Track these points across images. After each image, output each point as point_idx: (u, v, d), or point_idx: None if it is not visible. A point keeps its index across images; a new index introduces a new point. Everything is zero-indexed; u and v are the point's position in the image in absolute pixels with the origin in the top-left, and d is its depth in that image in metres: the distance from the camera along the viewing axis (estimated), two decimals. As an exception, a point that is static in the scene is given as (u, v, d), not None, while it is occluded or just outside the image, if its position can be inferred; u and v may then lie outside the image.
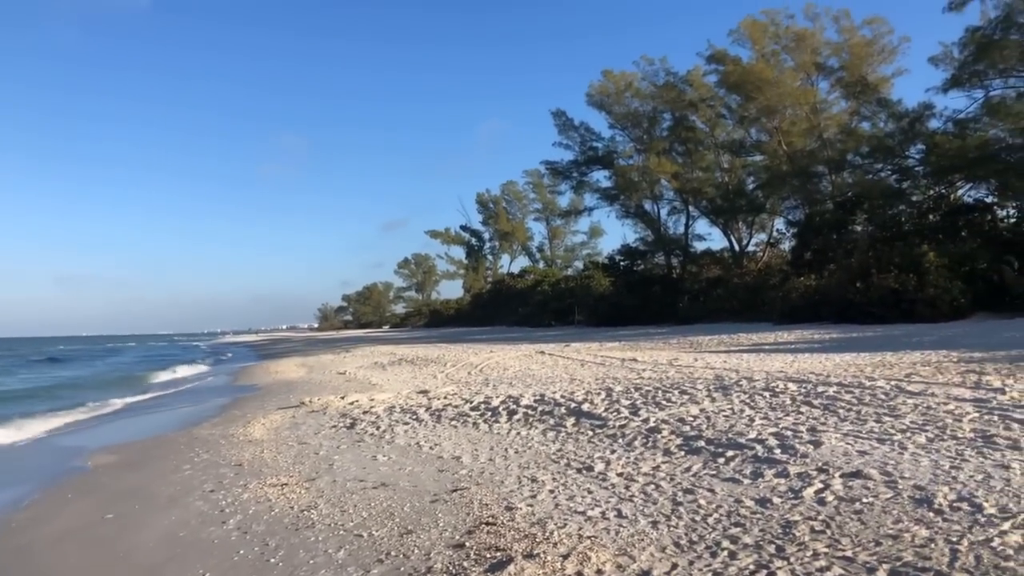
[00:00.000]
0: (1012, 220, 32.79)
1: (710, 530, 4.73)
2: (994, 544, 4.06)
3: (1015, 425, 6.70)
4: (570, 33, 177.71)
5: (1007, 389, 8.45)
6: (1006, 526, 4.30)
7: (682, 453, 6.86)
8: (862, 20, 41.08)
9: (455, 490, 6.23)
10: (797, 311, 31.26)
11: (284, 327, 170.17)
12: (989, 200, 33.41)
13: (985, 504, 4.67)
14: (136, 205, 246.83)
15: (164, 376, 27.56)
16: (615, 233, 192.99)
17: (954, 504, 4.74)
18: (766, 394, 9.41)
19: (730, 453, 6.58)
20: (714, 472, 6.12)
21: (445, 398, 12.09)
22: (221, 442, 9.74)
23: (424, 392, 13.31)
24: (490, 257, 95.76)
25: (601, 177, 53.04)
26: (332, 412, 11.64)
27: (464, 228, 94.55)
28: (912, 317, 25.33)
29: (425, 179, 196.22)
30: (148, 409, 16.08)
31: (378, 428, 9.70)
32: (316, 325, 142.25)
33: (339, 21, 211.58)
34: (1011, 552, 3.95)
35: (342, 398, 13.13)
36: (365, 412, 11.23)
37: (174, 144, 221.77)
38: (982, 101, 31.65)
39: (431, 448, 8.13)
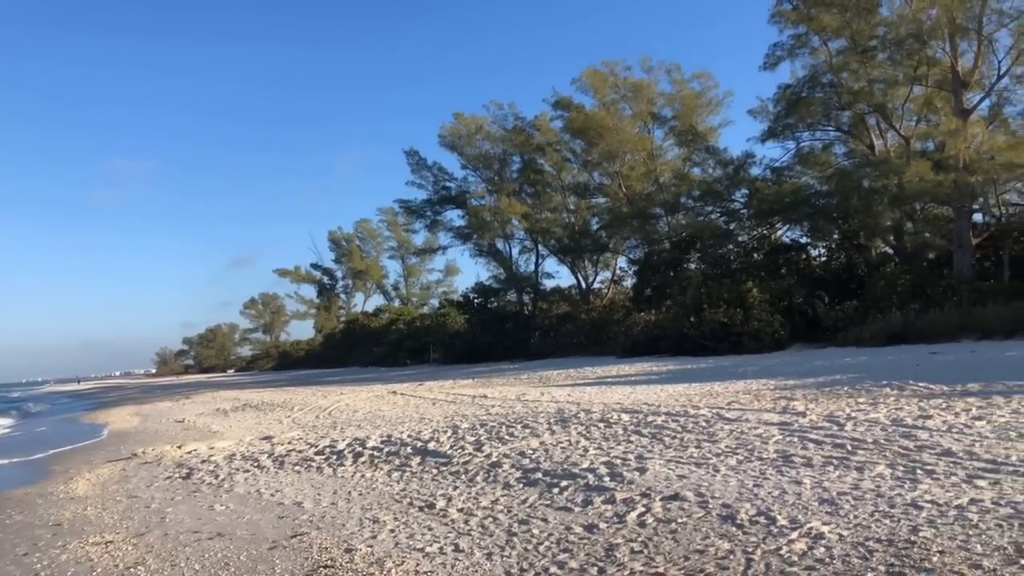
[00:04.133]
0: (823, 259, 36.42)
1: (540, 557, 5.00)
2: (783, 552, 4.59)
3: (811, 444, 7.52)
4: (431, 53, 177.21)
5: (807, 412, 9.44)
6: (794, 535, 4.86)
7: (520, 485, 7.15)
8: (691, 74, 44.72)
9: (294, 536, 6.16)
10: (639, 345, 32.90)
11: (117, 373, 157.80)
12: (804, 240, 36.98)
13: (779, 517, 5.25)
14: None
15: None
16: (470, 271, 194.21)
17: (753, 518, 5.29)
18: (601, 425, 9.95)
19: (564, 483, 6.94)
20: (548, 502, 6.44)
21: (289, 443, 11.81)
22: (38, 501, 9.01)
23: (268, 438, 12.92)
24: (343, 296, 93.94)
25: (455, 216, 53.83)
26: (167, 462, 11.05)
27: (315, 266, 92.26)
28: (740, 348, 27.39)
29: (274, 215, 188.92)
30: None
31: (217, 477, 9.34)
32: (153, 371, 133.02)
33: (181, 23, 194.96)
34: (796, 558, 4.48)
35: (179, 447, 12.49)
36: (203, 461, 10.76)
37: None
38: (794, 151, 35.17)
39: (272, 495, 7.96)
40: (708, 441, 8.22)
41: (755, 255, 36.37)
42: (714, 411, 10.50)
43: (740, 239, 37.78)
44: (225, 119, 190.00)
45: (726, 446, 7.87)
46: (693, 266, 37.88)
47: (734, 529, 5.13)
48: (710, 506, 5.69)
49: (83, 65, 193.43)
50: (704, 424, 9.31)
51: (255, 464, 10.05)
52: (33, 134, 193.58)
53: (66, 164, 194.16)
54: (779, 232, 37.17)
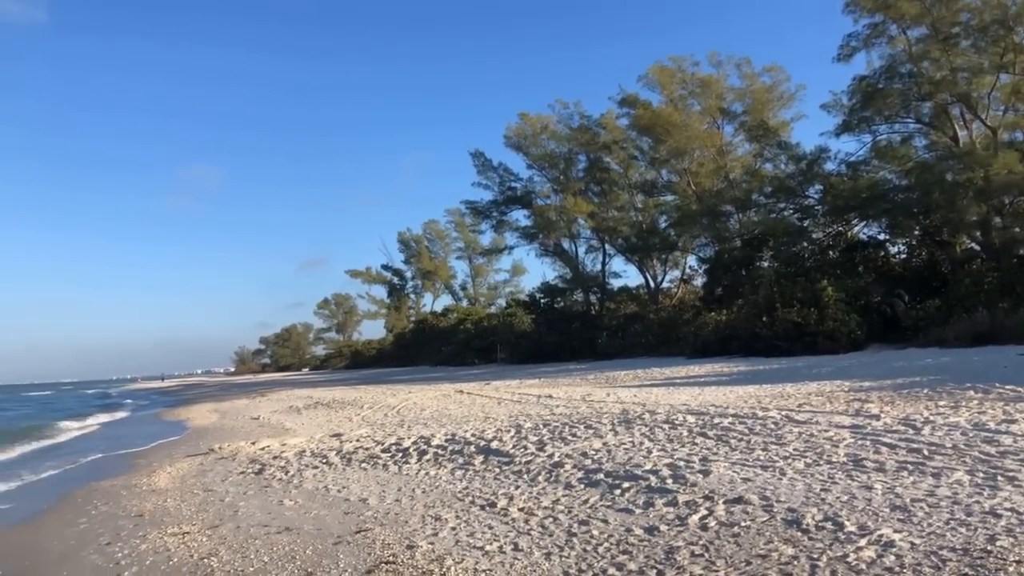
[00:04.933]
0: (903, 256, 35.00)
1: (599, 558, 4.98)
2: (850, 559, 4.44)
3: (884, 449, 7.25)
4: (497, 58, 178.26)
5: (882, 415, 9.10)
6: (862, 542, 4.70)
7: (582, 486, 7.12)
8: (762, 67, 43.66)
9: (359, 531, 6.30)
10: (709, 345, 32.32)
11: (199, 372, 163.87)
12: (882, 237, 35.64)
13: (847, 523, 5.09)
14: (21, 246, 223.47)
15: (68, 424, 26.22)
16: (536, 271, 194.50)
17: (820, 524, 5.14)
18: (665, 427, 9.82)
19: (626, 484, 6.88)
20: (609, 503, 6.40)
21: (357, 441, 12.06)
22: (122, 493, 9.47)
23: (337, 435, 13.23)
24: (413, 296, 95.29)
25: (520, 216, 53.99)
26: (241, 458, 11.45)
27: (386, 267, 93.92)
28: (815, 349, 26.58)
29: (345, 216, 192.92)
30: (43, 461, 15.35)
31: (287, 473, 9.63)
32: (232, 369, 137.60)
33: (251, 41, 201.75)
34: (864, 566, 4.33)
35: (253, 444, 12.92)
36: (275, 457, 11.10)
37: (69, 177, 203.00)
38: (871, 145, 33.89)
39: (339, 491, 8.15)
40: (775, 444, 8.02)
41: (830, 253, 35.24)
42: (783, 413, 10.23)
43: (814, 236, 36.68)
44: (294, 129, 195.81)
45: (794, 449, 7.66)
46: (765, 264, 36.99)
47: (799, 534, 4.99)
48: (775, 510, 5.56)
49: (155, 76, 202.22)
50: (772, 426, 9.08)
51: (324, 461, 10.31)
52: (110, 144, 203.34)
53: (145, 173, 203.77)
54: (855, 229, 35.92)
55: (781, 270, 34.37)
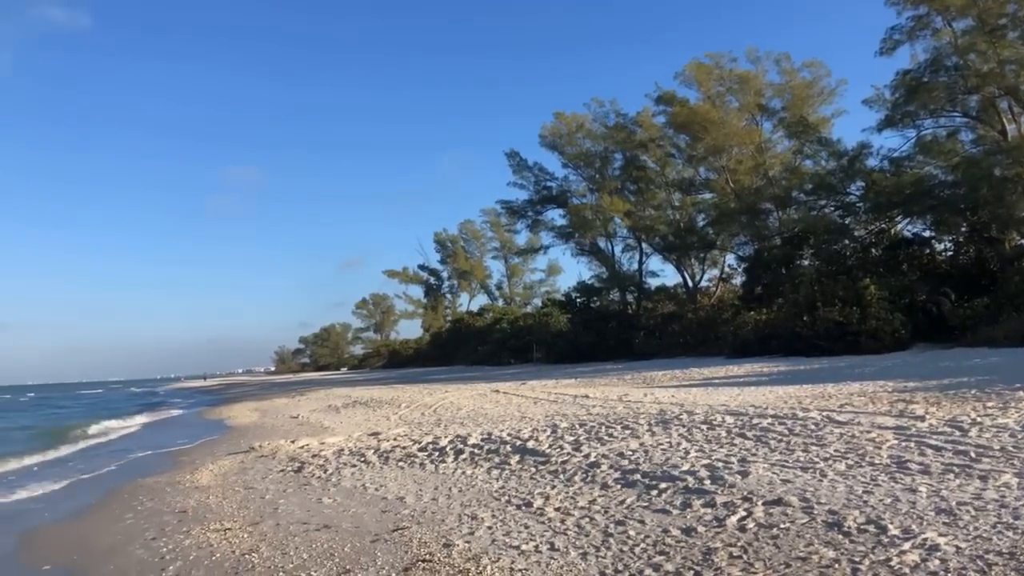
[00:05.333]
0: (949, 253, 34.12)
1: (636, 559, 4.95)
2: (892, 563, 4.36)
3: (929, 450, 7.09)
4: (532, 55, 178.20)
5: (927, 416, 8.89)
6: (906, 546, 4.60)
7: (618, 486, 7.09)
8: (801, 63, 42.91)
9: (396, 529, 6.35)
10: (748, 345, 31.89)
11: (240, 371, 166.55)
12: (927, 234, 34.79)
13: (890, 526, 4.99)
14: (66, 248, 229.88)
15: (116, 422, 26.87)
16: (572, 271, 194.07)
17: (862, 527, 5.04)
18: (704, 427, 9.72)
19: (663, 485, 6.83)
20: (646, 504, 6.36)
21: (395, 440, 12.17)
22: (167, 489, 9.68)
23: (375, 434, 13.36)
24: (449, 296, 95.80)
25: (556, 215, 53.86)
26: (281, 456, 11.62)
27: (422, 267, 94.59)
28: (857, 349, 26.06)
29: (383, 216, 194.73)
30: (93, 457, 15.76)
31: (325, 471, 9.75)
32: (272, 368, 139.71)
33: (292, 40, 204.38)
34: (907, 571, 4.24)
35: (292, 442, 13.11)
36: (314, 456, 11.25)
37: (109, 174, 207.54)
38: (915, 140, 33.13)
39: (376, 489, 8.23)
40: (816, 445, 7.89)
41: (873, 250, 34.51)
42: (824, 414, 10.06)
43: (856, 234, 35.97)
44: (335, 126, 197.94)
45: (835, 450, 7.53)
46: (806, 263, 36.36)
47: (840, 537, 4.91)
48: (815, 512, 5.47)
49: (192, 68, 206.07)
50: (813, 427, 8.94)
51: (361, 459, 10.42)
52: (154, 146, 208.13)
53: (184, 172, 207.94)
54: (899, 226, 35.13)
55: (822, 268, 33.78)
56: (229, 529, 6.91)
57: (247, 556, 5.94)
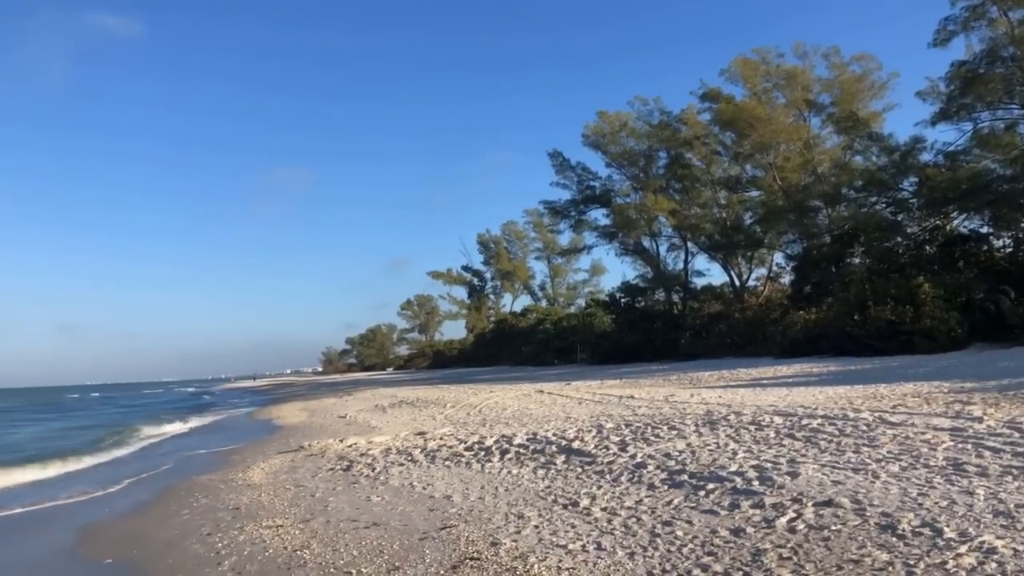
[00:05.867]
0: (1008, 250, 33.00)
1: (683, 559, 4.93)
2: (948, 566, 4.26)
3: (986, 453, 6.89)
4: (568, 63, 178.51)
5: (985, 418, 8.64)
6: (963, 549, 4.50)
7: (665, 487, 7.05)
8: (851, 57, 41.91)
9: (444, 527, 6.43)
10: (797, 345, 31.31)
11: (288, 371, 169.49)
12: (985, 231, 33.70)
13: (946, 529, 4.87)
14: (126, 255, 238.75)
15: (173, 423, 27.61)
16: (616, 270, 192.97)
17: (916, 529, 4.94)
18: (751, 428, 9.60)
19: (711, 486, 6.77)
20: (694, 504, 6.32)
21: (441, 439, 12.28)
22: (220, 487, 9.94)
23: (421, 434, 13.50)
24: (492, 297, 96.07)
25: (599, 215, 53.54)
26: (330, 455, 11.83)
27: (466, 268, 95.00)
28: (911, 348, 25.39)
29: (427, 217, 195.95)
30: (152, 456, 16.25)
31: (373, 470, 9.89)
32: (320, 369, 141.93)
33: (334, 48, 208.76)
34: (963, 574, 4.15)
35: (341, 441, 13.32)
36: (362, 455, 11.42)
37: (164, 183, 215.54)
38: (971, 133, 32.08)
39: (424, 488, 8.33)
40: (868, 446, 7.73)
41: (927, 248, 33.53)
42: (876, 414, 9.85)
43: (909, 231, 35.03)
44: (377, 131, 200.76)
45: (888, 451, 7.37)
46: (857, 261, 35.58)
47: (894, 540, 4.81)
48: (867, 514, 5.37)
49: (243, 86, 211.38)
50: (864, 428, 8.76)
51: (408, 458, 10.54)
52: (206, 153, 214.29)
53: (232, 179, 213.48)
54: (955, 222, 34.06)
55: (873, 266, 32.99)
56: (281, 526, 7.07)
57: (299, 552, 6.08)
